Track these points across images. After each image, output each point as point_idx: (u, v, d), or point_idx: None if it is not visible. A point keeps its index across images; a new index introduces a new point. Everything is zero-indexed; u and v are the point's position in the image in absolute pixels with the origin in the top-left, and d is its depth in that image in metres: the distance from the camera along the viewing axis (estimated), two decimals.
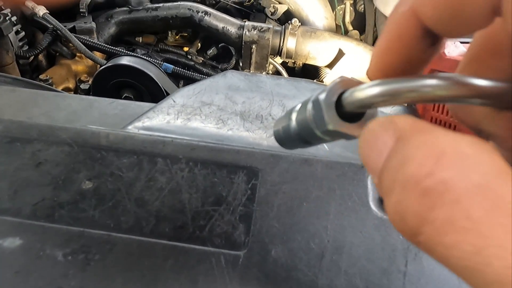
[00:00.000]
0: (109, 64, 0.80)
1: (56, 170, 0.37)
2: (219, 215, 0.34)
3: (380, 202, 0.37)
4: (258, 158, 0.39)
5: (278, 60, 1.16)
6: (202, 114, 0.49)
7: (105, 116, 0.57)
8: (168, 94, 0.80)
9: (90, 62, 0.97)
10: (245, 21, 1.10)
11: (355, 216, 0.35)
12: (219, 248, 0.32)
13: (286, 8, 1.28)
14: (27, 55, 0.91)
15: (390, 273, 0.32)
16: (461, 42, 0.60)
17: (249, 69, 1.09)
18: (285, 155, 0.39)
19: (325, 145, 0.46)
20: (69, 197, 0.35)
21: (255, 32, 1.04)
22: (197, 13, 1.07)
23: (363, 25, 1.34)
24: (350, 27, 1.32)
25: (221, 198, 0.35)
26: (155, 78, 0.78)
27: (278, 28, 1.06)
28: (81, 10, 1.02)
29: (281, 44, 1.04)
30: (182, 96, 0.53)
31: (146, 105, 0.65)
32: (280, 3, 1.28)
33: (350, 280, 0.31)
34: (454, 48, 0.58)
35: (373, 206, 0.36)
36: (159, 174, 0.37)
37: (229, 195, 0.36)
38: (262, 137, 0.45)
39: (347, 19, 1.33)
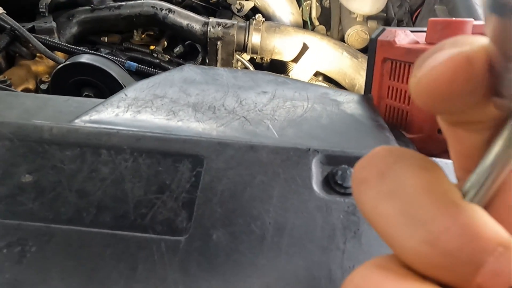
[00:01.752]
0: (68, 62, 0.79)
1: None
2: (161, 202, 0.34)
3: (323, 184, 0.37)
4: (204, 146, 0.39)
5: (246, 56, 1.16)
6: (153, 106, 0.49)
7: (60, 113, 0.56)
8: None
9: (51, 62, 0.95)
10: (210, 18, 1.10)
11: (298, 199, 0.36)
12: (160, 235, 0.32)
13: (252, 5, 1.29)
14: None
15: (329, 251, 0.33)
16: (411, 31, 0.62)
17: (215, 65, 1.09)
18: (231, 142, 0.40)
19: (274, 132, 0.46)
20: (7, 191, 0.34)
21: (219, 28, 1.04)
22: (161, 10, 1.06)
23: (329, 20, 1.36)
24: (316, 23, 1.34)
25: (165, 186, 0.36)
26: (115, 76, 0.77)
27: (243, 24, 1.06)
28: (40, 10, 1.00)
29: (246, 40, 1.05)
30: (135, 89, 0.53)
31: (101, 101, 0.64)
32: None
33: (290, 260, 0.32)
34: (404, 37, 0.60)
35: (316, 188, 0.37)
36: (102, 165, 0.37)
37: (173, 183, 0.36)
38: (212, 127, 0.45)
39: (314, 14, 1.35)
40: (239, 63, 1.16)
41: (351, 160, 0.39)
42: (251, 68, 1.13)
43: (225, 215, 0.34)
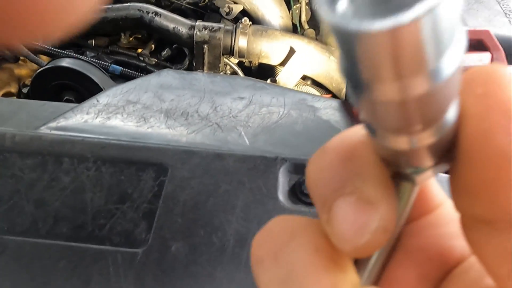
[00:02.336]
0: (48, 65, 0.78)
1: None
2: (121, 213, 0.34)
3: (289, 193, 0.37)
4: (169, 154, 0.38)
5: (234, 60, 1.16)
6: (125, 112, 0.48)
7: (34, 118, 0.55)
8: None
9: (35, 66, 0.94)
10: (197, 21, 1.10)
11: (262, 208, 0.35)
12: (117, 247, 0.32)
13: (241, 8, 1.28)
14: None
15: None
16: None
17: (202, 69, 1.08)
18: (198, 150, 0.39)
19: (246, 140, 0.46)
20: None
21: (206, 32, 1.04)
22: (147, 14, 1.05)
23: (319, 24, 1.35)
24: (306, 26, 1.33)
25: (126, 196, 0.35)
26: (96, 80, 0.77)
27: (229, 27, 1.06)
28: None
29: (233, 44, 1.04)
30: (108, 95, 0.52)
31: (73, 107, 0.63)
32: (235, 2, 1.28)
33: (249, 272, 0.31)
34: None
35: (281, 197, 0.36)
36: (63, 174, 0.36)
37: (135, 193, 0.35)
38: (182, 134, 0.44)
39: (303, 18, 1.34)
40: (228, 66, 1.16)
41: None
42: (240, 71, 1.12)
43: (186, 226, 0.33)
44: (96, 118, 0.46)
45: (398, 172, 0.14)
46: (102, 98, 0.51)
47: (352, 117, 0.57)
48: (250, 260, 0.32)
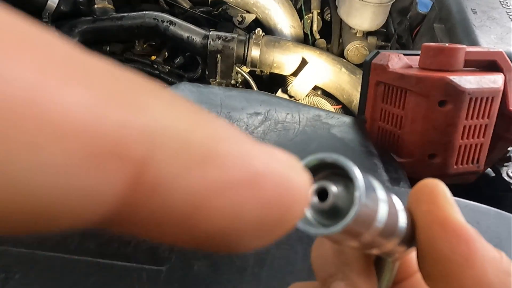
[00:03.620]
0: None
1: None
2: None
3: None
4: None
5: (246, 69, 1.17)
6: None
7: None
8: None
9: None
10: (210, 31, 1.11)
11: None
12: (142, 264, 0.33)
13: (254, 17, 1.30)
14: None
15: None
16: (406, 54, 0.62)
17: (215, 78, 1.10)
18: None
19: None
20: None
21: (219, 41, 1.05)
22: (162, 22, 1.07)
23: (330, 34, 1.37)
24: (317, 36, 1.35)
25: None
26: None
27: (243, 37, 1.07)
28: (43, 19, 1.01)
29: (246, 54, 1.06)
30: None
31: None
32: (248, 12, 1.30)
33: None
34: (397, 61, 0.60)
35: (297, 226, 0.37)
36: None
37: None
38: None
39: (315, 28, 1.35)
40: (239, 75, 1.17)
41: None
42: (251, 81, 1.13)
43: None
44: None
45: (379, 257, 0.19)
46: None
47: (365, 135, 0.58)
48: (269, 280, 0.33)
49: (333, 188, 0.15)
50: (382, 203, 0.16)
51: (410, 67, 0.60)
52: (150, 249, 0.34)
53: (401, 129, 0.58)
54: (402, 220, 0.17)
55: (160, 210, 0.09)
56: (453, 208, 0.17)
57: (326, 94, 1.17)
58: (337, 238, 0.15)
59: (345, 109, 1.06)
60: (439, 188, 0.17)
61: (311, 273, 0.36)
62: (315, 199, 0.15)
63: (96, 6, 1.08)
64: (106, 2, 1.09)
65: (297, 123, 0.56)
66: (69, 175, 0.07)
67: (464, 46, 0.57)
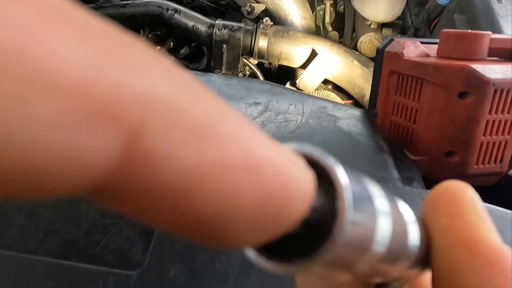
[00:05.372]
0: None
1: None
2: (117, 229, 0.31)
3: None
4: None
5: (254, 61, 1.12)
6: None
7: None
8: None
9: None
10: (216, 20, 1.07)
11: None
12: (110, 268, 0.29)
13: (263, 8, 1.25)
14: None
15: None
16: (423, 42, 0.57)
17: (221, 69, 1.05)
18: None
19: None
20: None
21: (225, 31, 1.01)
22: (167, 10, 1.03)
23: (343, 26, 1.31)
24: (330, 28, 1.29)
25: None
26: None
27: (250, 27, 1.02)
28: None
29: (253, 44, 1.01)
30: None
31: None
32: (257, 2, 1.25)
33: None
34: (413, 49, 0.55)
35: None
36: None
37: None
38: None
39: (327, 19, 1.30)
40: (247, 67, 1.13)
41: None
42: (259, 73, 1.09)
43: (187, 248, 0.30)
44: None
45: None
46: None
47: (375, 129, 0.53)
48: None
49: None
50: (382, 217, 0.11)
51: (427, 55, 0.55)
52: (120, 250, 0.30)
53: (416, 124, 0.53)
54: (414, 235, 0.12)
55: (152, 184, 0.08)
56: (484, 223, 0.12)
57: (337, 89, 1.11)
58: (318, 272, 0.11)
59: (357, 104, 1.00)
60: (466, 195, 0.13)
61: None
62: None
63: None
64: None
65: (300, 115, 0.51)
66: (58, 134, 0.07)
67: (489, 32, 0.52)
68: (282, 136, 0.45)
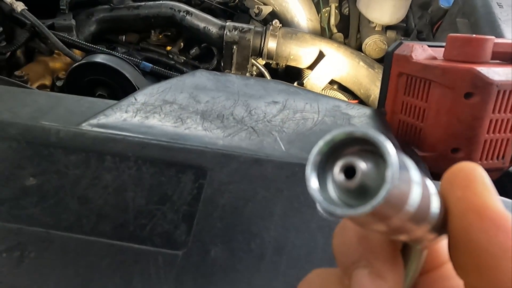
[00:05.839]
0: (83, 61, 0.80)
1: (0, 166, 0.36)
2: (162, 214, 0.34)
3: None
4: (208, 157, 0.38)
5: (261, 61, 1.16)
6: (162, 112, 0.48)
7: (71, 113, 0.56)
8: None
9: (68, 59, 0.96)
10: (227, 21, 1.10)
11: (300, 217, 0.35)
12: (158, 248, 0.32)
13: (270, 9, 1.28)
14: (4, 51, 0.90)
15: None
16: (429, 46, 0.60)
17: (230, 69, 1.09)
18: (236, 154, 0.39)
19: (281, 145, 0.46)
20: (11, 194, 0.35)
21: (236, 32, 1.04)
22: (179, 12, 1.06)
23: (348, 28, 1.34)
24: (334, 30, 1.32)
25: (166, 197, 0.35)
26: (129, 77, 0.78)
27: (259, 29, 1.06)
28: (61, 7, 1.01)
29: (262, 45, 1.04)
30: (145, 94, 0.53)
31: (113, 102, 0.64)
32: (264, 4, 1.28)
33: (287, 281, 0.31)
34: (421, 52, 0.58)
35: (319, 207, 0.36)
36: (106, 172, 0.37)
37: (175, 194, 0.35)
38: (218, 137, 0.45)
39: (332, 21, 1.33)
40: (254, 67, 1.16)
41: None
42: (266, 73, 1.12)
43: (224, 230, 0.34)
44: (135, 117, 0.47)
45: (406, 243, 0.17)
46: (140, 97, 0.52)
47: (385, 126, 0.56)
48: (288, 269, 0.32)
49: (362, 165, 0.14)
50: (416, 185, 0.14)
51: (434, 58, 0.58)
52: (165, 233, 0.33)
53: (424, 122, 0.56)
54: (435, 205, 0.16)
55: None
56: (491, 194, 0.15)
57: (342, 89, 1.15)
58: (364, 220, 0.14)
59: (362, 104, 1.03)
60: (476, 172, 0.16)
61: (332, 262, 0.34)
62: (341, 177, 0.14)
63: None
64: None
65: (316, 113, 0.55)
66: None
67: (493, 37, 0.55)
68: (301, 133, 0.49)
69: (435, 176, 0.53)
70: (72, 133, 0.40)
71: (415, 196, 0.14)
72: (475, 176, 0.16)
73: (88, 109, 0.55)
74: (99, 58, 0.79)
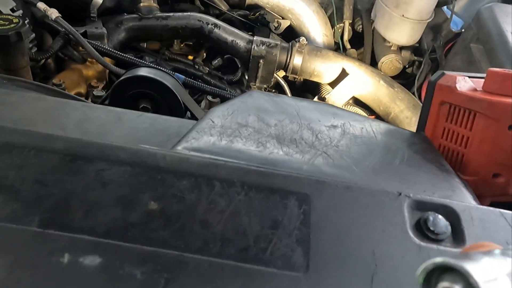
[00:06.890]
0: (128, 75, 0.82)
1: (121, 190, 0.39)
2: (277, 238, 0.37)
3: (415, 229, 0.41)
4: (305, 183, 0.42)
5: (280, 73, 1.20)
6: (242, 136, 0.52)
7: (135, 130, 0.59)
8: (185, 106, 0.82)
9: (100, 67, 0.98)
10: (251, 34, 1.14)
11: (397, 243, 0.39)
12: (281, 270, 0.35)
13: (288, 24, 1.32)
14: (39, 58, 0.91)
15: None
16: (470, 77, 0.66)
17: (255, 82, 1.12)
18: (328, 181, 0.43)
19: (357, 171, 0.50)
20: (139, 217, 0.37)
21: (263, 47, 1.08)
22: (207, 25, 1.09)
23: (359, 44, 1.40)
24: (348, 45, 1.38)
25: (277, 222, 0.39)
26: (174, 90, 0.80)
27: (285, 45, 1.10)
28: (91, 14, 1.02)
29: (288, 61, 1.08)
30: (219, 116, 0.56)
31: (173, 119, 0.67)
32: (283, 18, 1.32)
33: None
34: (464, 83, 0.64)
35: (411, 233, 0.40)
36: (218, 197, 0.40)
37: (284, 219, 0.39)
38: (299, 161, 0.48)
39: (345, 37, 1.38)
40: (273, 80, 1.20)
41: (438, 208, 0.43)
42: (286, 86, 1.16)
43: (337, 254, 0.37)
44: (221, 140, 0.50)
45: None
46: (216, 119, 0.55)
47: (436, 151, 0.61)
48: None
49: None
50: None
51: (475, 90, 0.64)
52: (284, 256, 0.36)
53: (467, 149, 0.62)
54: None
55: None
56: None
57: (357, 103, 1.20)
58: None
59: (381, 120, 1.09)
60: None
61: None
62: None
63: (141, 4, 1.09)
64: (152, 1, 1.10)
65: (373, 138, 0.59)
66: None
67: None
68: (366, 158, 0.53)
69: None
70: (177, 158, 0.43)
71: None
72: None
73: (150, 126, 0.58)
74: (143, 72, 0.81)
